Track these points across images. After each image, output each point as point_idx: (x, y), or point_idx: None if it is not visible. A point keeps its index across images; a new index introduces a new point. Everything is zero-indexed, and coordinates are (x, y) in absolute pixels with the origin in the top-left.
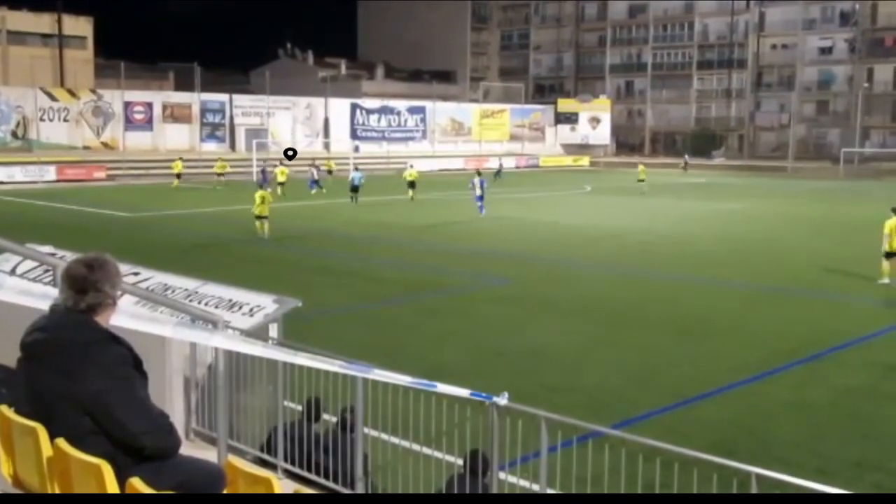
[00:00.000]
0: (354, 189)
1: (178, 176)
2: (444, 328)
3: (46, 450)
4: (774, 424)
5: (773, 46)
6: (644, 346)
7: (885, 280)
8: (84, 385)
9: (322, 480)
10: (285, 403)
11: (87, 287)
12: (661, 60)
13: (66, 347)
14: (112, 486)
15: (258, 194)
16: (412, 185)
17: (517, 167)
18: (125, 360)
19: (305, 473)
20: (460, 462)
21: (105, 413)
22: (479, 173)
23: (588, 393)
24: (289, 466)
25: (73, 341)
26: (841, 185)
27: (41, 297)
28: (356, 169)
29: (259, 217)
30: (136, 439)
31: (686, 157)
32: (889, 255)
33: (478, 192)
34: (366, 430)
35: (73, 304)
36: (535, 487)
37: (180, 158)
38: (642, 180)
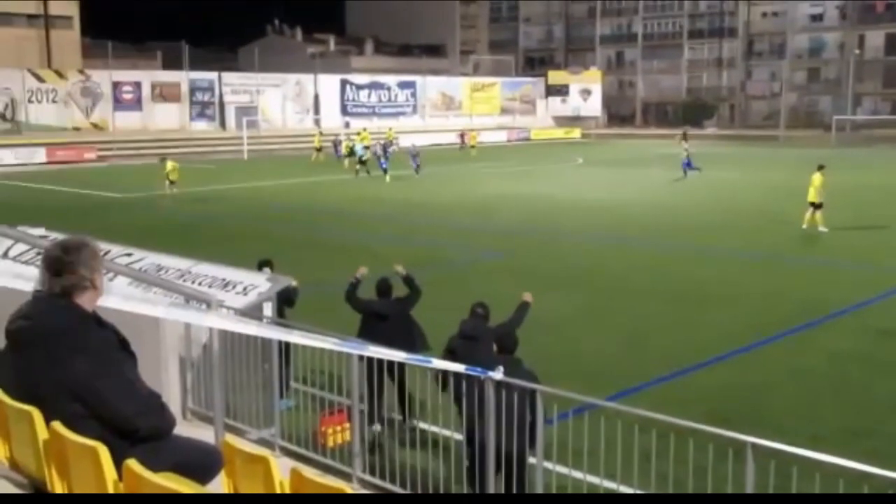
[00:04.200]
0: (361, 162)
1: (319, 149)
2: (439, 303)
3: (42, 433)
4: (769, 392)
5: (764, 14)
6: (639, 317)
7: (805, 226)
8: (71, 371)
9: (320, 457)
10: (292, 383)
11: (62, 269)
12: (652, 31)
13: (49, 334)
14: (109, 468)
15: (170, 164)
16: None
17: (509, 140)
18: (110, 343)
19: (303, 451)
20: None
21: (95, 397)
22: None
23: (584, 364)
24: (286, 444)
25: (55, 327)
26: (833, 153)
27: (34, 280)
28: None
29: (171, 182)
30: (129, 421)
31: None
32: (813, 205)
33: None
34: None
35: (48, 288)
36: (532, 460)
37: (320, 132)
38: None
